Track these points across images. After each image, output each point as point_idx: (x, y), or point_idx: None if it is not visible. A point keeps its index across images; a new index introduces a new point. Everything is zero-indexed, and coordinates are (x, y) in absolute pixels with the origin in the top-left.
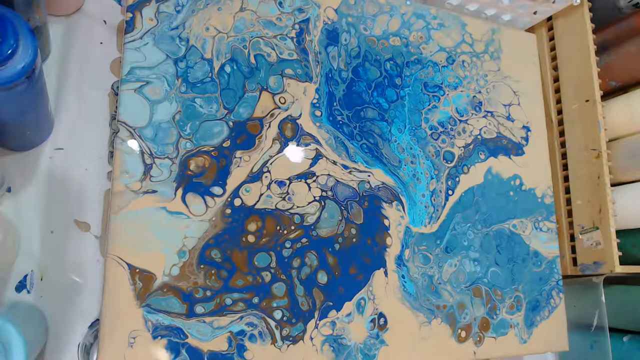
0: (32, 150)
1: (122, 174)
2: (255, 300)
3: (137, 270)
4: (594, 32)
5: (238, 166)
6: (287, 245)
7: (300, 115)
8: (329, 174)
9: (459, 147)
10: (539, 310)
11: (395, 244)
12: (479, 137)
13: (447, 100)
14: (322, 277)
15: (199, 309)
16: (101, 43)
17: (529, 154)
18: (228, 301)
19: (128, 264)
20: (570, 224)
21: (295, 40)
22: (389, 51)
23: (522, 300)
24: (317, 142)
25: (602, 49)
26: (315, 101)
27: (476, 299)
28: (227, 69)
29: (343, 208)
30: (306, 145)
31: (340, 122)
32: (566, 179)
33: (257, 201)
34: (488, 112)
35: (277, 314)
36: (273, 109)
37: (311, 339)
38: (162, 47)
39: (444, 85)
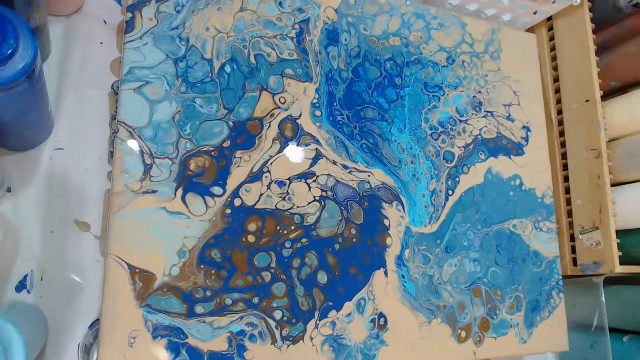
0: (32, 150)
1: (122, 174)
2: (255, 300)
3: (137, 270)
4: (594, 32)
5: (238, 166)
6: (287, 245)
7: (300, 115)
8: (329, 174)
9: (459, 147)
10: (539, 310)
11: (395, 244)
12: (479, 137)
13: (447, 100)
14: (322, 277)
15: (199, 309)
16: (101, 43)
17: (529, 154)
18: (228, 301)
19: (128, 264)
20: (570, 224)
21: (295, 40)
22: (389, 51)
23: (522, 300)
24: (317, 142)
25: (602, 49)
26: (315, 101)
27: (476, 299)
28: (227, 69)
29: (343, 208)
30: (306, 145)
31: (340, 122)
32: (566, 179)
33: (257, 201)
34: (488, 112)
35: (277, 314)
36: (273, 109)
37: (311, 339)
38: (162, 47)
39: (444, 85)
